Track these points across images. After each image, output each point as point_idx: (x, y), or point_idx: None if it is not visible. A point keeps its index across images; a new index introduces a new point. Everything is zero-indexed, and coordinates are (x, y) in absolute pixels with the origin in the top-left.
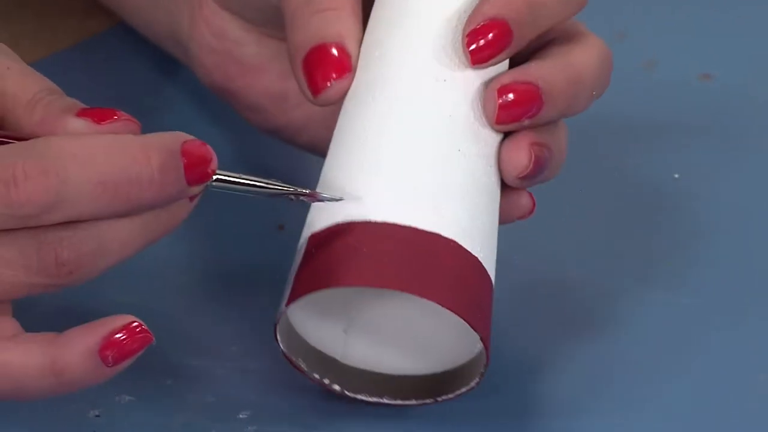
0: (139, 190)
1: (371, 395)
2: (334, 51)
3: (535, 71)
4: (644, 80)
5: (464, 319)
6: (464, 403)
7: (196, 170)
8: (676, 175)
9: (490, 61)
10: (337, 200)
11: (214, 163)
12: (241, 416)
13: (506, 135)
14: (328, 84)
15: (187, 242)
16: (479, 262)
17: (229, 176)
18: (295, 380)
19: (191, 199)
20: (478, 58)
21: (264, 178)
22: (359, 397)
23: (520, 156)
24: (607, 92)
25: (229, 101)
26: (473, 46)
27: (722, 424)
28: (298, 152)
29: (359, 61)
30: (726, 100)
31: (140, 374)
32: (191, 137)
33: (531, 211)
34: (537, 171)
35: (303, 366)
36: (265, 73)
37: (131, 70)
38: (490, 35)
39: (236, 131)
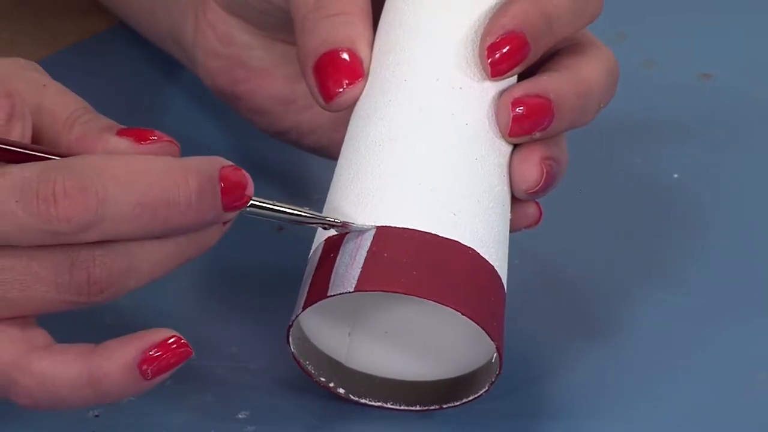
0: (176, 213)
1: (376, 400)
2: (346, 56)
3: (546, 84)
4: (644, 80)
5: (482, 328)
6: (466, 406)
7: (232, 196)
8: (676, 175)
9: (508, 73)
10: (367, 229)
11: (250, 190)
12: (240, 416)
13: (515, 147)
14: (340, 90)
15: None
16: (495, 270)
17: (263, 203)
18: (294, 380)
19: (224, 223)
20: (497, 71)
21: (298, 206)
22: (363, 401)
23: (532, 171)
24: None
25: (234, 105)
26: (492, 59)
27: (722, 423)
28: (302, 153)
29: (371, 65)
30: (726, 99)
31: None
32: (229, 162)
33: (538, 221)
34: (547, 186)
35: (310, 369)
36: (272, 77)
37: (131, 69)
38: (509, 48)
39: (237, 131)
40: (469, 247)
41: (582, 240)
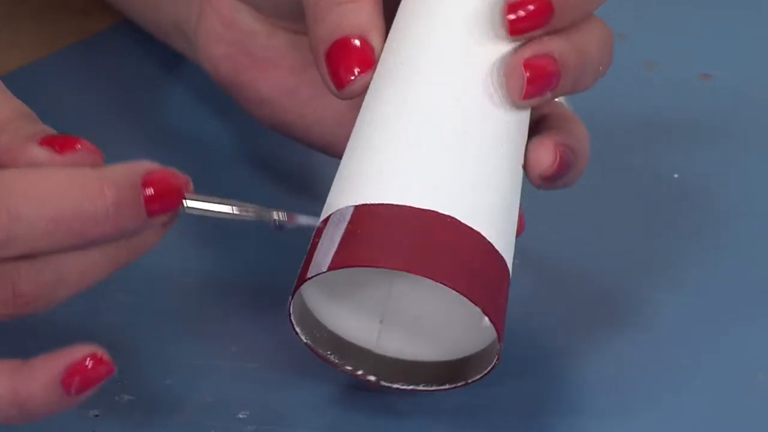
0: (93, 225)
1: (407, 384)
2: (357, 43)
3: (549, 44)
4: (644, 81)
5: (463, 294)
6: (470, 400)
7: (159, 202)
8: (676, 175)
9: (527, 34)
10: (314, 224)
11: (182, 191)
12: (240, 416)
13: (530, 136)
14: (353, 78)
15: (187, 243)
16: (496, 250)
17: (198, 202)
18: (294, 380)
19: (163, 225)
20: (516, 29)
21: (237, 201)
22: (396, 386)
23: (546, 155)
24: (608, 92)
25: (234, 95)
26: (513, 17)
27: (721, 423)
28: (307, 150)
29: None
30: (726, 100)
31: (140, 374)
32: (155, 167)
33: (519, 232)
34: (561, 171)
35: (311, 343)
36: (275, 67)
37: (131, 68)
38: (531, 7)
39: (238, 129)
40: (449, 216)
41: (581, 240)
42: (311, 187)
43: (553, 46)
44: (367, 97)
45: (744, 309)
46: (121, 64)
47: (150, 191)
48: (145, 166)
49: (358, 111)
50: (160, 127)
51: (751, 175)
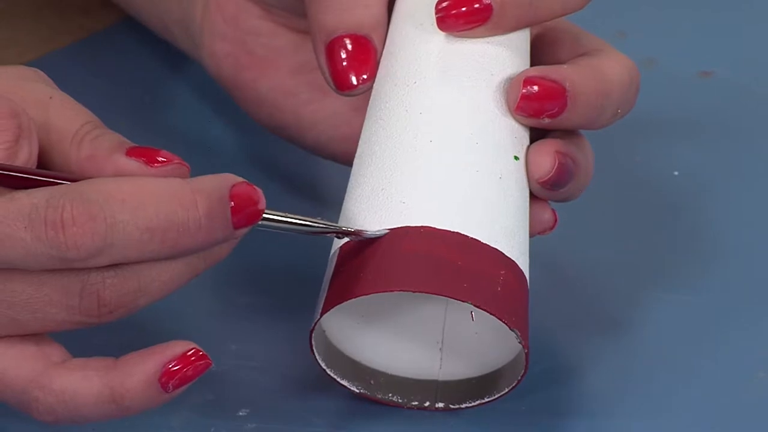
0: (186, 236)
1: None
2: (359, 41)
3: (565, 73)
4: (644, 78)
5: (500, 319)
6: (487, 405)
7: (243, 214)
8: (676, 173)
9: (465, 31)
10: (381, 236)
11: (262, 205)
12: (240, 414)
13: (532, 143)
14: (352, 77)
15: None
16: (519, 267)
17: (275, 216)
18: (294, 377)
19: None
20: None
21: (310, 217)
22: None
23: (544, 161)
24: None
25: (234, 94)
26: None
27: (721, 422)
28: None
29: (386, 49)
30: (726, 97)
31: None
32: (240, 180)
33: (552, 227)
34: (559, 178)
35: (325, 367)
36: (275, 67)
37: (131, 68)
38: (464, 8)
39: (239, 129)
40: (487, 244)
41: (581, 238)
42: (313, 188)
43: (570, 75)
44: (370, 111)
45: (744, 309)
46: (121, 64)
47: (235, 204)
48: (230, 179)
49: (354, 115)
50: (160, 127)
51: (751, 173)
